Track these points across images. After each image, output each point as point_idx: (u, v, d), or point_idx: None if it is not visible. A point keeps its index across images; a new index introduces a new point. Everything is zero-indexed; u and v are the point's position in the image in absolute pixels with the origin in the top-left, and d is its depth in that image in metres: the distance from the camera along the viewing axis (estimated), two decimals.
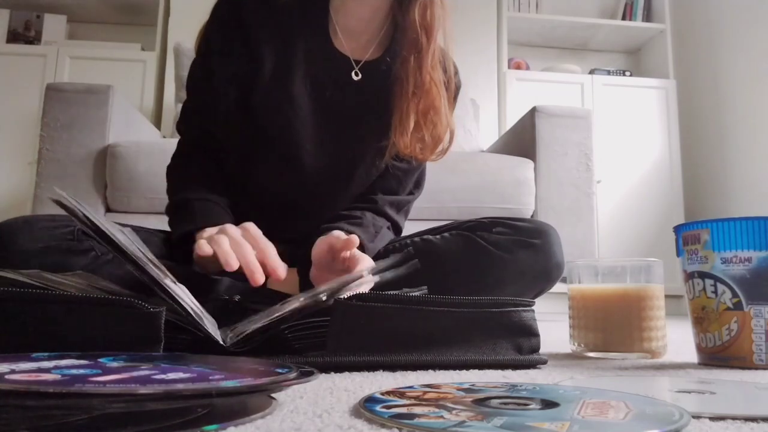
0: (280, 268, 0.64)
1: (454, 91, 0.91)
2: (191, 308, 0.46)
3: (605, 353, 0.67)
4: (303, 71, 0.82)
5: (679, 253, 0.64)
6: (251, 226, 0.69)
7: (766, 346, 0.54)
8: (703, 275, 0.58)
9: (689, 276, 0.60)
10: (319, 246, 0.74)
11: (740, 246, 0.56)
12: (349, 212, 0.86)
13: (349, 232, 0.78)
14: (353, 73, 0.85)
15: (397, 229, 0.94)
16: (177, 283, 0.50)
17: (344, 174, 0.86)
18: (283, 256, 0.85)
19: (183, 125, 0.87)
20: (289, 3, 0.82)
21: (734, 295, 0.56)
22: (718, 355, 0.57)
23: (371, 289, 0.57)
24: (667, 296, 0.72)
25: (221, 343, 0.47)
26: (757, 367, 0.55)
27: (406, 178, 0.93)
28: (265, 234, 0.86)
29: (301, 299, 0.50)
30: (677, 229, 0.66)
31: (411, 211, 0.99)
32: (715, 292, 0.57)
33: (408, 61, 0.81)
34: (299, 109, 0.82)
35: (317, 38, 0.83)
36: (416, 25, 0.80)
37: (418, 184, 0.97)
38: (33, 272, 0.51)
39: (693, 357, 0.63)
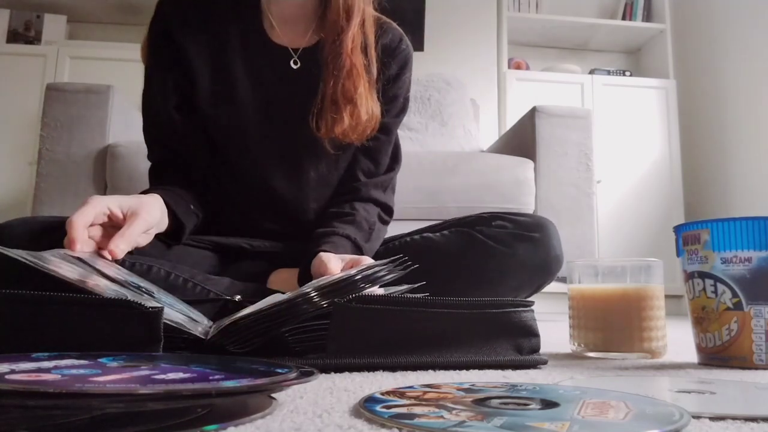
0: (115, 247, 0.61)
1: (398, 62, 0.91)
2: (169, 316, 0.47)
3: (605, 353, 0.67)
4: (242, 68, 0.84)
5: (679, 253, 0.64)
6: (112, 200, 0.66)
7: (766, 346, 0.54)
8: (703, 275, 0.58)
9: (689, 276, 0.60)
10: (318, 269, 0.72)
11: (740, 246, 0.56)
12: (339, 208, 0.87)
13: (343, 234, 0.79)
14: (292, 62, 0.86)
15: (388, 210, 0.94)
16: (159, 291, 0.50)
17: (300, 164, 0.87)
18: (282, 255, 0.85)
19: (148, 149, 0.89)
20: (220, 4, 0.84)
21: (734, 295, 0.55)
22: (718, 355, 0.57)
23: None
24: (667, 296, 0.72)
25: (200, 336, 0.47)
26: (757, 367, 0.55)
27: (379, 156, 0.92)
28: (251, 231, 0.89)
29: (287, 296, 0.50)
30: (677, 229, 0.66)
31: (411, 210, 0.99)
32: (715, 292, 0.57)
33: (330, 44, 0.82)
34: (243, 107, 0.84)
35: (252, 33, 0.85)
36: (338, 7, 0.81)
37: (396, 158, 0.96)
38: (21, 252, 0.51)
39: (693, 357, 0.63)
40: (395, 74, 0.91)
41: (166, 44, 0.83)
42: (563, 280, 0.84)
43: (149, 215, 0.68)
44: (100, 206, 0.64)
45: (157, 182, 0.86)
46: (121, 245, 0.62)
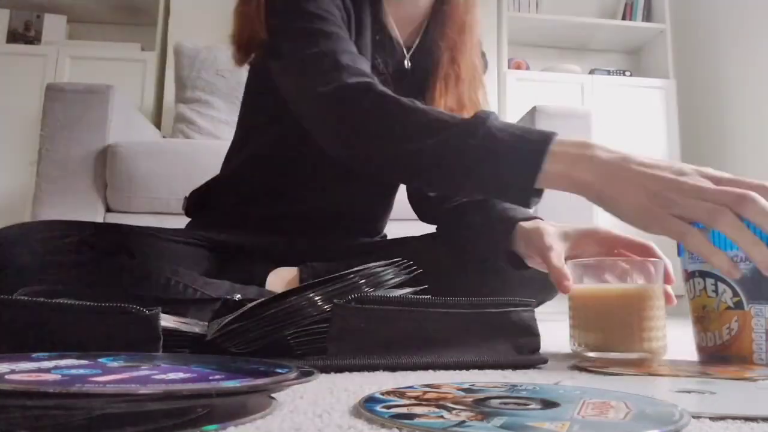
0: None
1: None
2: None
3: (605, 353, 0.65)
4: (372, 57, 0.81)
5: (680, 253, 0.63)
6: None
7: (766, 346, 0.54)
8: (704, 274, 0.57)
9: (690, 275, 0.60)
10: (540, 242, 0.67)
11: (733, 245, 0.53)
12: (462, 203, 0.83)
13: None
14: (406, 62, 0.84)
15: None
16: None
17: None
18: (281, 253, 0.84)
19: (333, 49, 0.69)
20: None
21: (735, 294, 0.55)
22: (718, 354, 0.56)
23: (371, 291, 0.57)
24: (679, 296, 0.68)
25: (200, 333, 0.47)
26: (755, 366, 0.54)
27: None
28: (277, 212, 0.83)
29: (290, 295, 0.50)
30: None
31: (410, 211, 0.99)
32: (716, 291, 0.56)
33: (449, 49, 0.80)
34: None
35: (375, 21, 0.82)
36: (458, 14, 0.80)
37: None
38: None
39: (693, 356, 0.62)
40: None
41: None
42: None
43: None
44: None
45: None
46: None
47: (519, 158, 0.55)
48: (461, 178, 0.59)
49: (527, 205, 0.59)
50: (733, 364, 0.54)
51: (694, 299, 0.60)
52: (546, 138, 0.55)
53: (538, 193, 0.57)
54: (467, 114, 0.77)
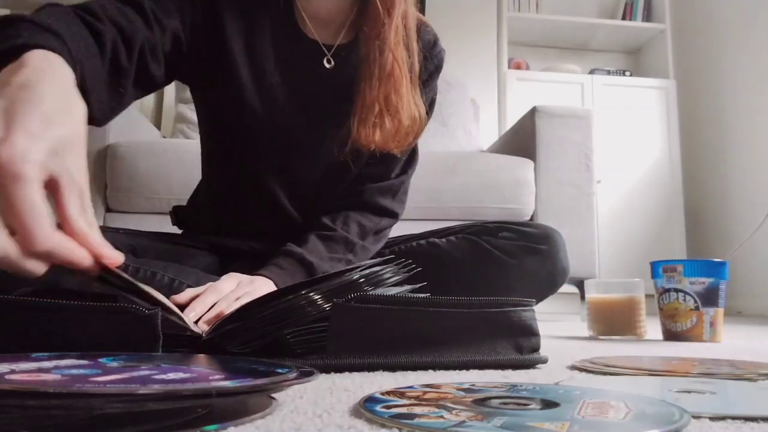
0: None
1: (433, 64, 0.86)
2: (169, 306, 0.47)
3: (610, 336, 1.03)
4: (274, 61, 0.78)
5: (655, 276, 1.00)
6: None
7: (710, 330, 0.94)
8: (677, 290, 0.97)
9: (666, 290, 0.98)
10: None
11: (700, 274, 0.95)
12: (326, 219, 0.81)
13: (298, 256, 0.75)
14: (325, 60, 0.80)
15: (392, 214, 0.88)
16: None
17: (316, 167, 0.83)
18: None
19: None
20: None
21: (695, 301, 0.95)
22: (683, 334, 0.96)
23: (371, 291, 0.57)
24: (649, 296, 1.00)
25: (197, 332, 0.47)
26: (704, 341, 0.93)
27: (392, 161, 0.86)
28: (250, 230, 0.83)
29: (286, 295, 0.50)
30: (653, 264, 1.01)
31: (411, 210, 0.97)
32: (684, 300, 0.96)
33: (370, 41, 0.75)
34: (273, 102, 0.78)
35: (284, 26, 0.79)
36: (379, 1, 0.75)
37: (410, 161, 0.89)
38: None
39: (660, 337, 1.00)
40: (426, 78, 0.85)
41: (206, 9, 0.74)
42: (581, 290, 0.92)
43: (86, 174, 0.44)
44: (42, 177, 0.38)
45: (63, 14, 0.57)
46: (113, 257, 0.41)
47: None
48: None
49: None
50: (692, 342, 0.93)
51: (669, 304, 0.98)
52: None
53: None
54: (390, 118, 0.75)
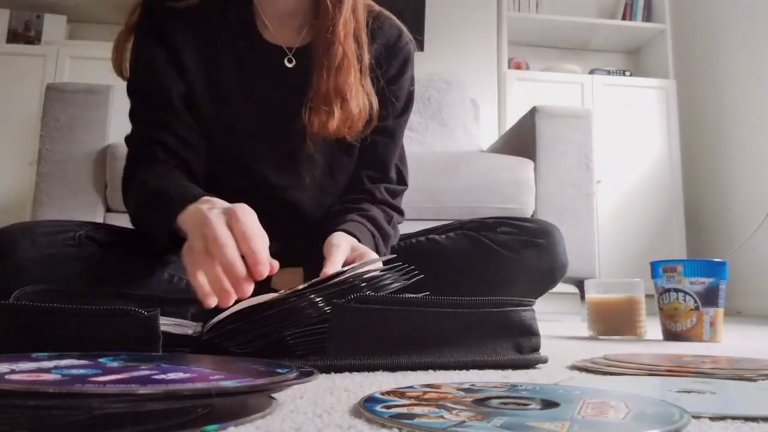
0: (264, 264, 0.53)
1: (399, 58, 0.87)
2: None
3: (610, 336, 1.03)
4: (234, 67, 0.81)
5: (655, 276, 1.01)
6: (241, 211, 0.58)
7: (710, 330, 0.95)
8: (677, 290, 0.97)
9: (666, 290, 0.98)
10: (326, 250, 0.70)
11: (700, 274, 0.95)
12: (352, 204, 0.84)
13: (361, 221, 0.77)
14: (286, 60, 0.82)
15: (400, 212, 0.91)
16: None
17: (294, 166, 0.83)
18: (282, 255, 0.84)
19: (137, 130, 0.84)
20: (208, 4, 0.80)
21: (695, 301, 0.95)
22: (683, 334, 0.96)
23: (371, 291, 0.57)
24: (649, 296, 1.00)
25: (192, 335, 0.47)
26: (704, 341, 0.94)
27: (386, 161, 0.88)
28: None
29: (282, 292, 0.50)
30: (653, 264, 1.01)
31: (411, 210, 0.98)
32: (684, 300, 0.96)
33: (322, 35, 0.78)
34: (235, 107, 0.80)
35: (244, 32, 0.81)
36: None
37: (403, 171, 0.92)
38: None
39: (660, 337, 1.01)
40: (395, 74, 0.87)
41: (158, 40, 0.80)
42: (581, 289, 0.93)
43: None
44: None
45: (147, 172, 0.77)
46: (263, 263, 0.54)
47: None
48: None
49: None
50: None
51: (669, 303, 0.98)
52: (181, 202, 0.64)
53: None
54: (339, 107, 0.79)
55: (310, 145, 0.81)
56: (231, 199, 0.84)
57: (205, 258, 0.53)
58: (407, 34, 0.90)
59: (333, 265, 0.64)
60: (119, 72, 0.86)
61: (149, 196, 0.71)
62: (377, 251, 0.77)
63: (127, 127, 0.90)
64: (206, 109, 0.80)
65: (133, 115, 0.85)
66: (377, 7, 0.86)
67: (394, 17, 0.89)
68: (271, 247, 0.84)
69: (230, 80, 0.81)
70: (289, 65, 0.82)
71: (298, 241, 0.83)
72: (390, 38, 0.87)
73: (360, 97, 0.80)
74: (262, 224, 0.86)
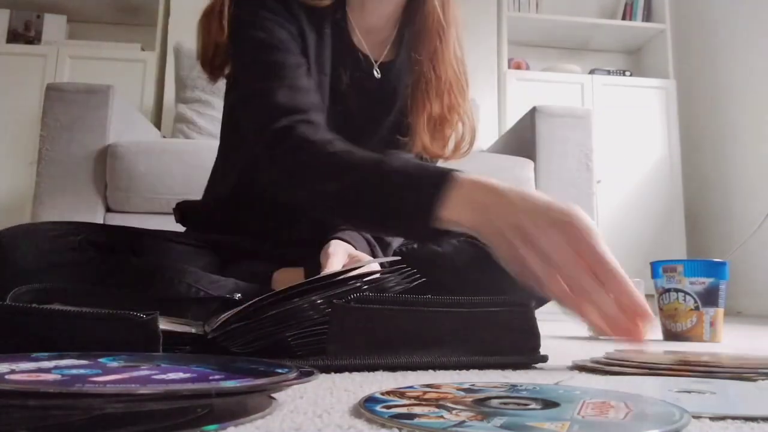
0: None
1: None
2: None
3: (610, 336, 0.93)
4: (328, 67, 0.80)
5: (655, 276, 1.01)
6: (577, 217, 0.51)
7: (710, 330, 0.95)
8: (677, 290, 0.97)
9: (666, 290, 0.99)
10: (323, 256, 0.70)
11: (700, 274, 0.95)
12: None
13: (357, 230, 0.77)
14: (375, 71, 0.83)
15: None
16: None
17: None
18: (284, 255, 0.84)
19: (273, 114, 0.69)
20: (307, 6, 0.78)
21: (695, 301, 0.95)
22: (683, 334, 0.96)
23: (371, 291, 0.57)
24: (649, 296, 0.94)
25: (197, 333, 0.47)
26: (704, 341, 0.94)
27: None
28: (272, 231, 0.83)
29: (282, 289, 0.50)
30: (653, 264, 1.02)
31: None
32: (684, 300, 0.96)
33: (429, 57, 0.80)
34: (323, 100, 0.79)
35: (338, 34, 0.81)
36: (434, 19, 0.79)
37: None
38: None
39: (660, 336, 1.01)
40: None
41: (289, 16, 0.75)
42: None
43: None
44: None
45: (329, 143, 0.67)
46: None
47: (419, 191, 0.55)
48: (367, 216, 0.62)
49: (430, 241, 0.64)
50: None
51: (669, 304, 0.98)
52: (445, 172, 0.56)
53: (439, 231, 0.55)
54: (452, 128, 0.80)
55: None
56: (259, 198, 0.83)
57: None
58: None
59: (334, 267, 0.64)
60: (207, 57, 0.78)
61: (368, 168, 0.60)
62: (374, 257, 0.77)
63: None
64: None
65: (267, 96, 0.71)
66: None
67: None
68: (276, 247, 0.83)
69: (324, 77, 0.80)
70: (377, 76, 0.83)
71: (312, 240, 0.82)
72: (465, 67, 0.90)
73: (471, 120, 0.82)
74: (291, 226, 0.85)
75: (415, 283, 0.57)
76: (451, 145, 0.82)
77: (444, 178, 0.54)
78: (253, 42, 0.73)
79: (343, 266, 0.67)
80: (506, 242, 0.50)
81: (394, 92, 0.82)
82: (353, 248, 0.73)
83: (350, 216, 0.65)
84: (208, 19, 0.76)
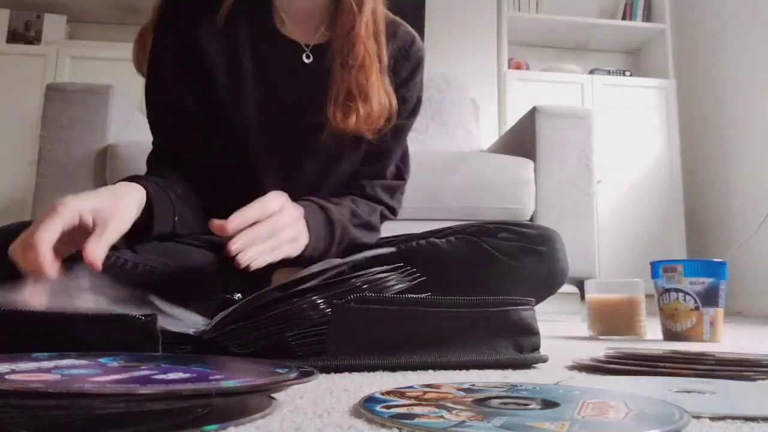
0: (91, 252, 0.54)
1: (410, 63, 0.91)
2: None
3: (610, 336, 1.03)
4: (252, 61, 0.83)
5: (655, 276, 1.01)
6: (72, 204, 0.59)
7: (710, 330, 0.95)
8: (678, 290, 0.97)
9: (666, 290, 0.99)
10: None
11: (700, 274, 0.95)
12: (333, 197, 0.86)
13: (318, 202, 0.78)
14: (304, 56, 0.85)
15: (392, 211, 0.94)
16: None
17: (301, 161, 0.87)
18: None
19: (154, 134, 0.87)
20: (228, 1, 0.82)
21: (695, 302, 0.95)
22: (683, 334, 0.96)
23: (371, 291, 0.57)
24: (648, 296, 1.01)
25: (192, 334, 0.47)
26: (704, 341, 0.94)
27: (386, 159, 0.92)
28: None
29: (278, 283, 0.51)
30: (653, 264, 1.02)
31: (411, 210, 0.99)
32: (684, 300, 0.96)
33: (344, 34, 0.82)
34: (252, 100, 0.83)
35: (262, 27, 0.84)
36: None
37: (403, 168, 0.95)
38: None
39: (660, 337, 1.01)
40: (406, 77, 0.91)
41: (178, 39, 0.83)
42: (581, 289, 0.94)
43: (121, 223, 0.62)
44: (69, 216, 0.58)
45: (152, 169, 0.84)
46: (98, 258, 0.55)
47: None
48: None
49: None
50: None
51: (669, 304, 0.98)
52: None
53: None
54: (363, 105, 0.82)
55: (324, 139, 0.83)
56: (230, 188, 0.85)
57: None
58: (420, 41, 0.94)
59: (238, 215, 0.62)
60: (141, 71, 0.90)
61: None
62: (331, 239, 0.78)
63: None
64: (223, 98, 0.83)
65: (151, 121, 0.88)
66: (391, 15, 0.90)
67: (407, 25, 0.93)
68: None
69: (248, 70, 0.83)
70: (307, 61, 0.85)
71: None
72: (404, 43, 0.91)
73: (381, 95, 0.83)
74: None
75: (416, 282, 0.57)
76: (360, 121, 0.82)
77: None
78: (150, 85, 0.87)
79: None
80: None
81: (326, 71, 0.84)
82: (295, 211, 0.72)
83: None
84: (142, 38, 0.88)
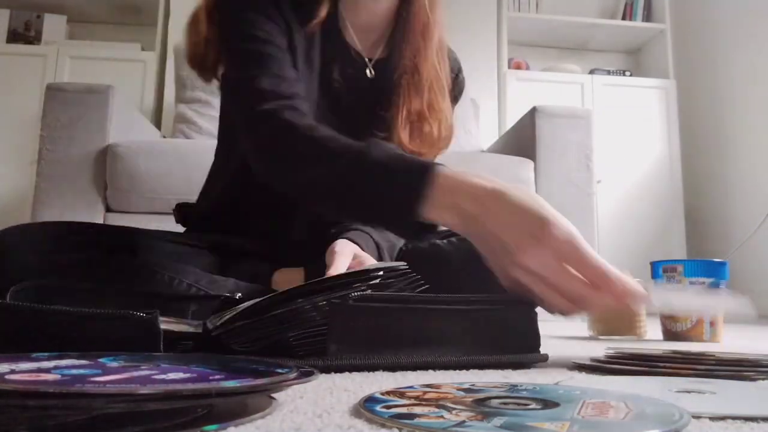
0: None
1: (456, 89, 0.92)
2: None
3: (610, 336, 1.04)
4: (319, 58, 0.81)
5: (655, 276, 1.03)
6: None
7: (710, 330, 0.95)
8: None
9: None
10: (329, 257, 0.70)
11: (700, 274, 0.96)
12: None
13: (364, 230, 0.78)
14: (368, 71, 0.85)
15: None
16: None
17: None
18: (284, 254, 0.84)
19: (262, 98, 0.70)
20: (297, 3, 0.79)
21: None
22: (684, 334, 0.96)
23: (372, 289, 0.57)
24: None
25: (196, 331, 0.47)
26: (704, 342, 0.94)
27: None
28: (269, 233, 0.85)
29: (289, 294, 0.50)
30: (653, 264, 1.03)
31: None
32: None
33: (412, 55, 0.81)
34: (312, 104, 0.80)
35: (331, 32, 0.83)
36: (420, 18, 0.81)
37: None
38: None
39: (660, 336, 1.02)
40: (451, 100, 0.91)
41: (277, 13, 0.76)
42: None
43: None
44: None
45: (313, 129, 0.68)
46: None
47: (400, 186, 0.56)
48: (350, 206, 0.63)
49: (411, 236, 0.65)
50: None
51: None
52: (427, 167, 0.56)
53: (422, 225, 0.57)
54: (431, 125, 0.82)
55: None
56: (259, 195, 0.84)
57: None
58: (463, 72, 0.97)
59: (335, 273, 0.64)
60: (192, 57, 0.80)
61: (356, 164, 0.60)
62: (380, 260, 0.78)
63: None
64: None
65: (254, 84, 0.71)
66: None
67: (455, 52, 0.95)
68: (274, 247, 0.83)
69: (315, 70, 0.81)
70: (370, 76, 0.85)
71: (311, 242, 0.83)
72: (453, 69, 0.92)
73: (449, 117, 0.84)
74: (287, 225, 0.86)
75: (419, 289, 0.57)
76: (424, 144, 0.83)
77: (424, 177, 0.55)
78: (241, 34, 0.74)
79: (349, 268, 0.67)
80: (494, 257, 0.53)
81: (386, 89, 0.83)
82: (360, 249, 0.73)
83: (333, 207, 0.65)
84: (196, 18, 0.79)
